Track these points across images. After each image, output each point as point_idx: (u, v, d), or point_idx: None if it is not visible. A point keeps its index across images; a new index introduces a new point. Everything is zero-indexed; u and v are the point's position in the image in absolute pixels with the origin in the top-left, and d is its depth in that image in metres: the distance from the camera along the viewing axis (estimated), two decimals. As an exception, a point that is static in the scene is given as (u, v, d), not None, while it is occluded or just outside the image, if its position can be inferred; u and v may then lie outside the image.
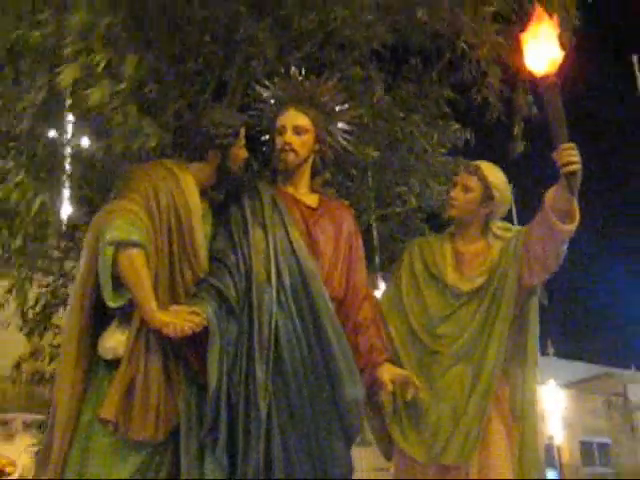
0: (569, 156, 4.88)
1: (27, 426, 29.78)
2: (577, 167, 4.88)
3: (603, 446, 40.51)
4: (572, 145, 4.93)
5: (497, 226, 5.67)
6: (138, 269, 4.70)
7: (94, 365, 4.89)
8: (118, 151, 5.66)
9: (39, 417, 27.68)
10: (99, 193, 5.82)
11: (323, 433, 4.97)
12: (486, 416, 5.33)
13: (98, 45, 5.75)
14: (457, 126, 6.22)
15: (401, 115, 5.88)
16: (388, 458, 5.79)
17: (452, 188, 5.67)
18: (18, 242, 5.82)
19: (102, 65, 5.76)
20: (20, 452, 23.19)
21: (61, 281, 8.15)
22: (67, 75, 5.72)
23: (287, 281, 5.04)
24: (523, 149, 6.28)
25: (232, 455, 4.80)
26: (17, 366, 8.74)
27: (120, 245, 4.68)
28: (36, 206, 5.22)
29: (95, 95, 5.72)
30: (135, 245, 4.71)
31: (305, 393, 4.94)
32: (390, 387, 5.20)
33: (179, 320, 4.70)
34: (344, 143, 5.57)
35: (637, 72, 53.80)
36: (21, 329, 8.55)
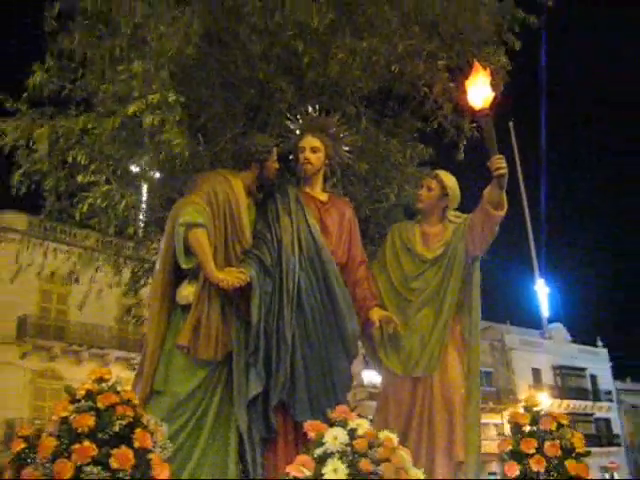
0: (499, 163, 5.29)
1: (118, 359, 30.39)
2: (505, 171, 5.28)
3: (488, 374, 44.65)
4: (501, 156, 5.30)
5: (451, 214, 5.99)
6: (202, 242, 5.06)
7: (172, 310, 5.25)
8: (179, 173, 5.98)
9: (129, 354, 28.25)
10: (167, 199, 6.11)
11: (331, 355, 5.31)
12: (444, 343, 5.65)
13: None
14: (422, 146, 6.54)
15: (383, 139, 6.20)
16: (379, 373, 6.13)
17: (420, 189, 6.02)
18: (111, 231, 6.14)
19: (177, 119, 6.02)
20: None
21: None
22: (147, 118, 6.02)
23: (306, 252, 5.41)
24: (463, 158, 6.60)
25: (268, 370, 5.15)
26: (128, 311, 9.05)
27: (189, 226, 5.05)
28: (122, 207, 5.55)
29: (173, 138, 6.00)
30: (200, 226, 5.07)
31: (318, 328, 5.29)
32: (377, 323, 5.54)
33: (230, 277, 5.05)
34: (345, 158, 5.94)
35: (513, 139, 53.39)
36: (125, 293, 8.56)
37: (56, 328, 29.66)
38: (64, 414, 3.90)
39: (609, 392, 53.06)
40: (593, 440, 44.53)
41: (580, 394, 50.65)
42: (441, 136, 6.65)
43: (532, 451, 5.00)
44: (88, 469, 3.68)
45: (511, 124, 50.31)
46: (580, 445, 5.06)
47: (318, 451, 4.40)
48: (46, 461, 3.80)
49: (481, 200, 5.61)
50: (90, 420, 3.80)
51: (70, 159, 6.30)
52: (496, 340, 48.14)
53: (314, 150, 5.64)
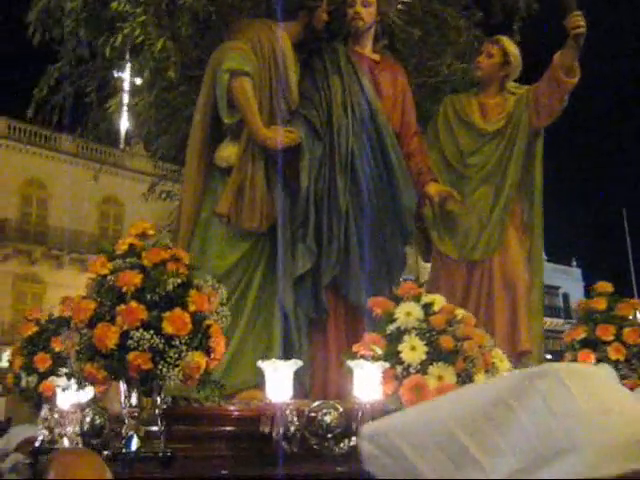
0: (578, 21, 4.56)
1: None
2: (584, 30, 4.56)
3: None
4: (579, 13, 4.55)
5: (511, 85, 5.23)
6: (247, 93, 4.26)
7: (210, 173, 4.46)
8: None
9: None
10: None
11: (386, 231, 4.60)
12: (505, 224, 4.95)
13: None
14: (480, 14, 5.70)
15: (438, 7, 5.38)
16: (426, 260, 5.42)
17: (479, 55, 5.21)
18: (146, 75, 5.27)
19: None
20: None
21: None
22: None
23: (359, 115, 4.62)
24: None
25: (319, 244, 4.41)
26: (150, 188, 8.06)
27: (234, 73, 4.24)
28: (159, 45, 4.67)
29: None
30: (246, 74, 4.26)
31: (373, 199, 4.56)
32: (437, 199, 4.81)
33: (279, 136, 4.27)
34: (396, 18, 5.09)
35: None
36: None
37: (36, 232, 28.58)
38: (103, 272, 3.12)
39: (581, 310, 53.44)
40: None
41: (552, 312, 50.93)
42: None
43: (610, 338, 4.37)
44: (137, 334, 2.94)
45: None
46: (660, 334, 4.44)
47: (391, 328, 3.70)
48: (83, 326, 3.03)
49: (550, 66, 4.84)
50: (137, 278, 3.05)
51: None
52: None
53: (365, 4, 4.78)
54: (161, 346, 2.95)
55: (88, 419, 3.80)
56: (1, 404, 20.34)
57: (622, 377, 4.24)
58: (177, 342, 3.00)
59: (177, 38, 4.79)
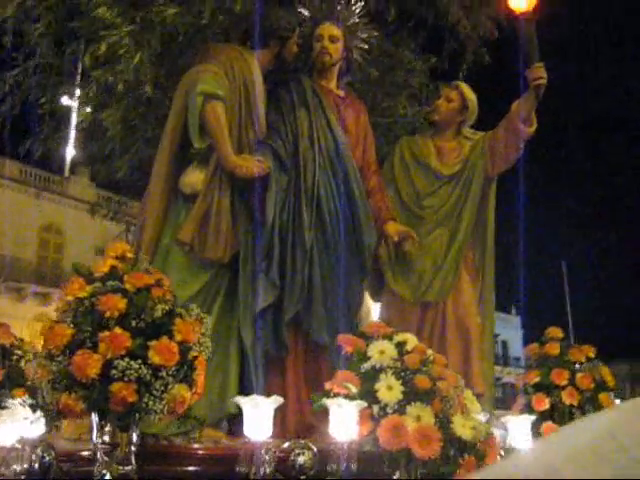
0: (539, 72, 4.65)
1: (35, 294, 27.71)
2: (545, 81, 4.66)
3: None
4: (541, 64, 4.65)
5: (467, 131, 5.27)
6: (220, 118, 4.09)
7: (173, 198, 4.23)
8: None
9: (47, 289, 25.74)
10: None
11: (348, 270, 4.47)
12: (459, 267, 4.93)
13: None
14: (434, 59, 5.76)
15: (393, 48, 5.39)
16: (376, 300, 5.33)
17: (437, 99, 5.24)
18: (119, 88, 4.96)
19: None
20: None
21: None
22: None
23: (325, 149, 4.52)
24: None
25: (282, 279, 4.24)
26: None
27: (208, 97, 4.06)
28: (136, 59, 4.43)
29: None
30: (219, 98, 4.09)
31: (336, 234, 4.43)
32: (396, 238, 4.74)
33: (250, 164, 4.11)
34: (358, 57, 5.04)
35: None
36: None
37: None
38: (82, 295, 2.86)
39: (518, 358, 54.47)
40: (499, 403, 45.56)
41: (491, 359, 51.32)
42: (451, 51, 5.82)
43: (565, 382, 4.39)
44: (123, 363, 2.68)
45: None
46: (611, 380, 4.50)
47: (365, 366, 3.57)
48: (58, 354, 2.76)
49: (508, 115, 4.92)
50: (121, 303, 2.80)
51: None
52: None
53: (333, 40, 4.72)
54: (148, 377, 2.71)
55: (36, 457, 3.46)
56: None
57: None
58: (164, 373, 2.76)
59: (148, 55, 4.58)
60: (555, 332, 4.66)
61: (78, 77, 5.19)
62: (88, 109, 5.54)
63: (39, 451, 3.47)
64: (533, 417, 4.10)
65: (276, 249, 4.21)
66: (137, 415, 2.77)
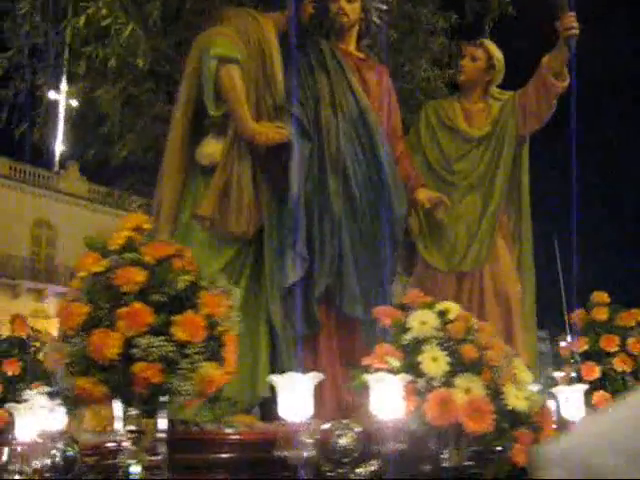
0: (571, 22, 4.30)
1: (29, 290, 27.66)
2: (577, 32, 4.31)
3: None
4: (573, 14, 4.30)
5: (495, 91, 4.93)
6: (236, 83, 3.79)
7: (191, 172, 3.94)
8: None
9: (41, 285, 25.70)
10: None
11: (377, 237, 4.16)
12: (494, 234, 4.61)
13: None
14: (455, 16, 5.43)
15: (412, 10, 5.06)
16: (406, 272, 5.02)
17: (462, 58, 4.90)
18: (111, 63, 4.65)
19: None
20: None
21: None
22: None
23: (348, 114, 4.20)
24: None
25: (310, 252, 3.94)
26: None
27: (223, 60, 3.75)
28: (127, 31, 4.13)
29: None
30: (235, 62, 3.79)
31: (365, 205, 4.12)
32: (428, 205, 4.43)
33: (270, 131, 3.81)
34: (376, 18, 4.71)
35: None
36: None
37: None
38: (97, 269, 2.56)
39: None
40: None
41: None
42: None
43: (615, 349, 4.07)
44: (144, 341, 2.39)
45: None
46: (663, 343, 4.17)
47: (407, 338, 3.27)
48: (74, 335, 2.47)
49: (538, 70, 4.58)
50: (140, 275, 2.50)
51: None
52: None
53: (349, 0, 4.40)
54: (173, 355, 2.42)
55: (58, 451, 3.18)
56: None
57: (629, 389, 3.96)
58: (190, 350, 2.47)
59: (146, 26, 4.26)
60: (601, 297, 4.34)
61: (65, 59, 4.87)
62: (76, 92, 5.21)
63: (61, 445, 3.20)
64: (586, 386, 3.78)
65: (303, 221, 3.90)
66: (163, 398, 2.48)
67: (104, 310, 2.47)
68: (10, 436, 3.60)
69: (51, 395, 2.62)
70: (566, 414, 3.71)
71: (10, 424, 3.66)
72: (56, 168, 26.80)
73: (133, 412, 2.52)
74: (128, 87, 4.83)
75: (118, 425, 2.58)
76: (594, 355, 4.10)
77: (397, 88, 5.20)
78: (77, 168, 28.63)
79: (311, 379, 2.89)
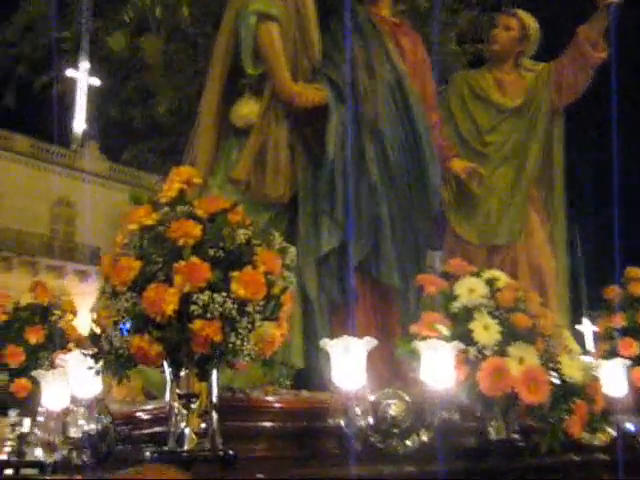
0: None
1: (48, 267, 27.44)
2: None
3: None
4: None
5: (527, 62, 4.78)
6: (275, 41, 3.61)
7: (225, 134, 3.75)
8: None
9: (60, 262, 25.48)
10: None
11: (415, 208, 3.99)
12: (527, 208, 4.47)
13: None
14: None
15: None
16: (434, 247, 4.86)
17: (495, 28, 4.74)
18: (158, 10, 4.45)
19: None
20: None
21: None
22: None
23: (384, 78, 4.02)
24: None
25: (346, 219, 3.77)
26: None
27: (261, 16, 3.57)
28: None
29: None
30: (273, 19, 3.60)
31: (402, 172, 3.95)
32: (463, 175, 4.28)
33: (309, 92, 3.64)
34: None
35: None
36: None
37: None
38: (149, 222, 2.39)
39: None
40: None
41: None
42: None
43: (654, 324, 3.94)
44: (204, 297, 2.21)
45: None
46: None
47: (456, 306, 3.12)
48: (125, 290, 2.29)
49: (574, 40, 4.44)
50: (196, 229, 2.32)
51: None
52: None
53: None
54: (234, 313, 2.24)
55: (91, 420, 3.00)
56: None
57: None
58: (250, 308, 2.29)
59: None
60: (635, 272, 4.21)
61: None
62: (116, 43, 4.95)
63: (95, 413, 3.02)
64: (627, 362, 3.65)
65: (339, 186, 3.72)
66: (222, 359, 2.31)
67: (158, 264, 2.29)
68: (34, 406, 3.44)
69: (95, 356, 2.42)
70: (607, 389, 3.58)
71: (33, 393, 3.50)
72: (76, 147, 26.59)
73: (185, 374, 2.35)
74: (170, 40, 4.62)
75: (168, 388, 2.40)
76: (632, 331, 3.97)
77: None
78: (97, 147, 28.48)
79: (365, 344, 2.73)
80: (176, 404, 2.37)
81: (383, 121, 3.91)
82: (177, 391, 2.37)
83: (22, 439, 3.60)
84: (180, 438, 2.33)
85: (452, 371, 2.88)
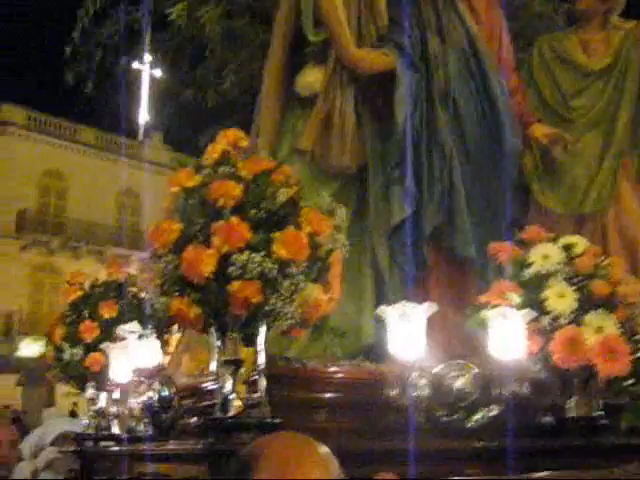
0: None
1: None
2: None
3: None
4: None
5: (615, 20, 4.44)
6: (336, 6, 3.47)
7: (289, 104, 3.66)
8: None
9: (127, 251, 26.58)
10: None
11: (491, 176, 3.77)
12: (617, 175, 4.14)
13: None
14: None
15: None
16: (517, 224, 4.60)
17: None
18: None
19: None
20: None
21: None
22: None
23: (456, 43, 3.81)
24: None
25: (418, 189, 3.59)
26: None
27: None
28: None
29: None
30: None
31: (477, 138, 3.73)
32: (546, 141, 4.02)
33: (373, 57, 3.49)
34: None
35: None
36: None
37: (55, 223, 27.66)
38: (191, 184, 2.31)
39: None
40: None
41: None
42: None
43: None
44: (243, 257, 2.11)
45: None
46: None
47: (529, 273, 2.89)
48: (166, 253, 2.22)
49: None
50: (237, 189, 2.22)
51: None
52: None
53: None
54: (274, 273, 2.14)
55: (154, 391, 2.98)
56: (18, 393, 19.25)
57: None
58: (292, 270, 2.18)
59: None
60: None
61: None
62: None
63: (157, 385, 3.00)
64: None
65: (410, 155, 3.55)
66: (264, 321, 2.21)
67: (198, 226, 2.22)
68: (106, 379, 3.46)
69: (142, 321, 2.38)
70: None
71: (106, 367, 3.53)
72: (140, 137, 27.33)
73: (230, 339, 2.27)
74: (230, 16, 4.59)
75: (214, 355, 2.32)
76: None
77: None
78: (161, 137, 29.24)
79: (425, 310, 2.57)
80: (222, 370, 2.29)
81: (455, 87, 3.71)
82: (222, 358, 2.29)
83: (99, 413, 3.64)
84: (224, 405, 2.25)
85: (523, 341, 2.68)
